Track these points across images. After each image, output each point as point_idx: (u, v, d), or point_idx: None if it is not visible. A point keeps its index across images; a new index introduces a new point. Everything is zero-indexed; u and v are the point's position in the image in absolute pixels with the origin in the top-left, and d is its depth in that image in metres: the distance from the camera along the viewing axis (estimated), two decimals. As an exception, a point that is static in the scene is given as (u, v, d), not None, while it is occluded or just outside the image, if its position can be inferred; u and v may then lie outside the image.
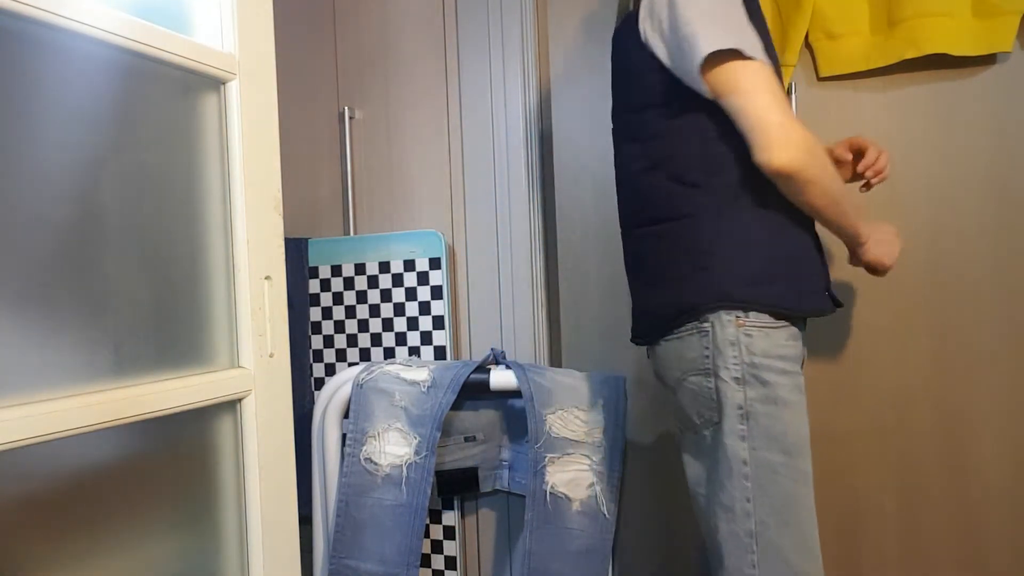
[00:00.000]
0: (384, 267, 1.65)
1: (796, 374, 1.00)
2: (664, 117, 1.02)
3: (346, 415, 1.53)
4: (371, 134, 1.69)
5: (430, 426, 1.44)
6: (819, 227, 1.09)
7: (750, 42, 0.95)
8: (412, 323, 1.63)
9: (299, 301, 1.69)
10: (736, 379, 0.98)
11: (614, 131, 1.16)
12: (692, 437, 1.05)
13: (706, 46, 0.92)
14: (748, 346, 0.98)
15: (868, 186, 1.24)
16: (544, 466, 1.40)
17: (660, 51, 1.00)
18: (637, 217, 1.09)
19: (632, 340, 1.18)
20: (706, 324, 0.99)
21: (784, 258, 1.02)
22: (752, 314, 0.99)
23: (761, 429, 0.97)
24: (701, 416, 1.01)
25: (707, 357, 0.99)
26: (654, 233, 1.05)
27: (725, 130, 0.99)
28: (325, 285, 1.70)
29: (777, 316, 1.00)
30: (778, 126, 0.92)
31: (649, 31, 1.01)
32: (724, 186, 1.00)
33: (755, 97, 0.93)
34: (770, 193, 1.00)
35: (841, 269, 1.48)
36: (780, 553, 0.97)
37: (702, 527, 1.07)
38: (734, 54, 0.93)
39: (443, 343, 1.61)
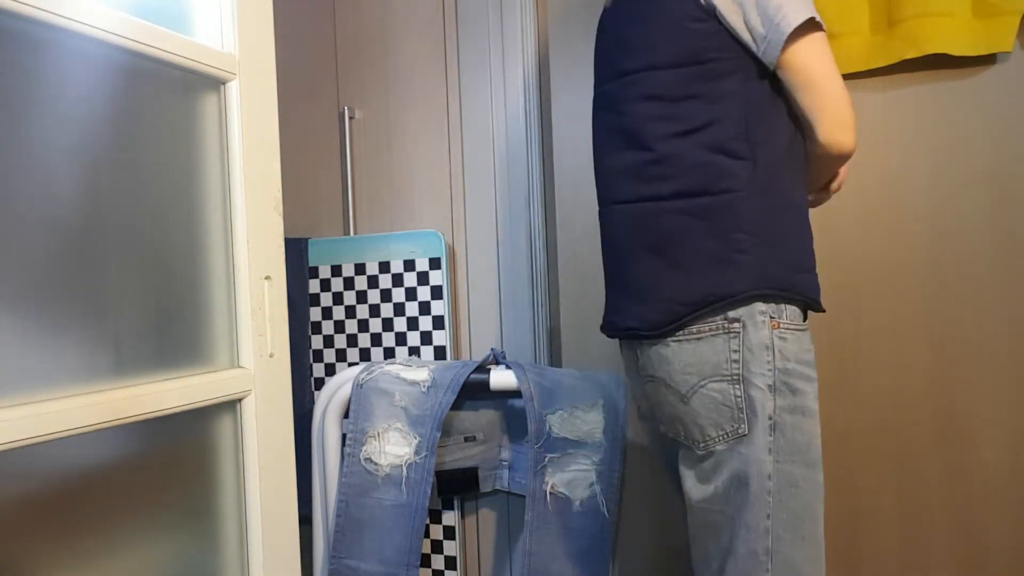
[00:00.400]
0: (384, 267, 1.65)
1: (815, 381, 0.94)
2: (706, 77, 0.91)
3: (346, 415, 1.53)
4: (371, 134, 1.69)
5: (430, 426, 1.44)
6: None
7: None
8: (412, 323, 1.63)
9: (299, 301, 1.69)
10: (769, 387, 0.90)
11: (610, 91, 1.02)
12: (702, 451, 0.94)
13: (795, 17, 0.88)
14: (782, 350, 0.91)
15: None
16: (544, 466, 1.40)
17: (723, 3, 0.90)
18: (653, 187, 0.95)
19: (614, 333, 1.03)
20: (736, 325, 0.90)
21: (812, 246, 0.97)
22: (787, 310, 0.92)
23: (787, 441, 0.91)
24: (720, 428, 0.91)
25: (736, 362, 0.90)
26: (683, 208, 0.92)
27: (768, 100, 0.93)
28: (325, 285, 1.70)
29: (805, 313, 0.96)
30: (849, 106, 0.92)
31: None
32: (768, 161, 0.92)
33: (834, 74, 0.91)
34: (800, 173, 0.96)
35: (841, 269, 1.48)
36: (793, 567, 0.92)
37: (704, 544, 0.97)
38: (817, 25, 0.90)
39: (443, 343, 1.61)
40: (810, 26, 0.89)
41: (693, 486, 0.97)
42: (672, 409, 0.96)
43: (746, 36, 0.90)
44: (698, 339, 0.92)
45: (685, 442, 0.97)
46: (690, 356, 0.92)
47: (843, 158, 0.95)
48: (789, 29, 0.88)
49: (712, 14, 0.90)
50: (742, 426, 0.91)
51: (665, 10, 0.93)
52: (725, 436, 0.92)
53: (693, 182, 0.92)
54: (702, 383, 0.92)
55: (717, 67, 0.92)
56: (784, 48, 0.89)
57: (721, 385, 0.91)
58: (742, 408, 0.90)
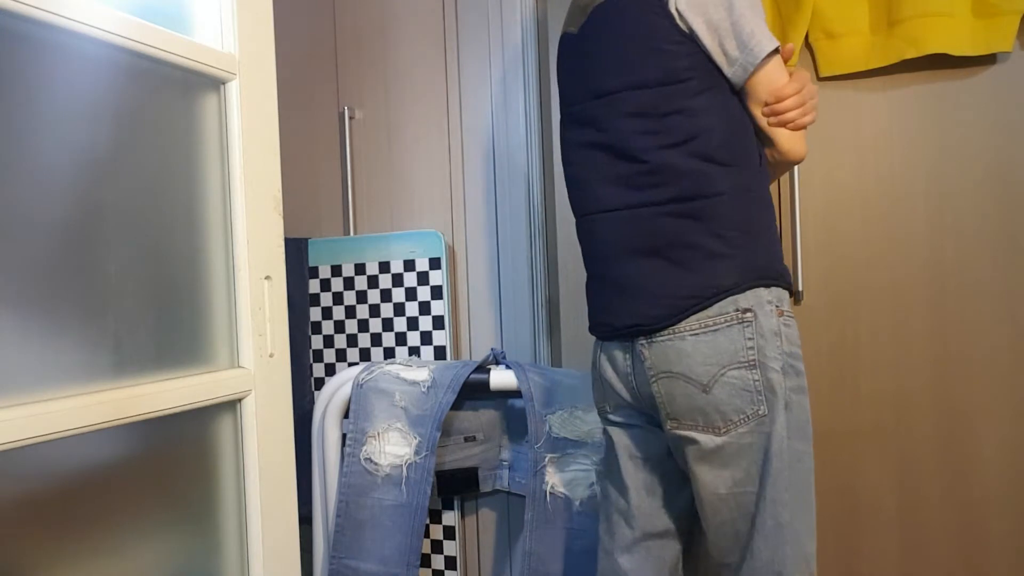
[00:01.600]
0: (384, 267, 1.65)
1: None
2: (687, 94, 1.00)
3: (346, 415, 1.53)
4: (371, 134, 1.69)
5: (430, 426, 1.44)
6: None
7: None
8: (412, 323, 1.63)
9: (299, 301, 1.69)
10: (781, 369, 0.98)
11: (586, 110, 1.09)
12: (722, 435, 0.98)
13: (767, 44, 0.99)
14: (787, 336, 1.00)
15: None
16: (544, 466, 1.41)
17: (700, 29, 0.99)
18: (646, 194, 1.02)
19: (609, 333, 1.07)
20: (749, 314, 0.98)
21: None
22: (784, 298, 1.02)
23: (794, 419, 0.99)
24: (742, 412, 0.97)
25: (752, 349, 0.97)
26: (679, 211, 1.01)
27: (740, 111, 1.03)
28: (325, 285, 1.70)
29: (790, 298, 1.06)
30: None
31: (685, 5, 0.99)
32: (748, 166, 1.03)
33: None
34: (768, 175, 1.07)
35: (841, 269, 1.48)
36: (799, 540, 0.99)
37: (732, 528, 1.01)
38: (778, 51, 1.01)
39: (443, 343, 1.61)
40: (775, 52, 1.00)
41: (714, 477, 1.01)
42: (691, 401, 1.00)
43: (720, 58, 1.00)
44: (714, 331, 0.98)
45: (702, 432, 1.00)
46: (708, 347, 0.98)
47: (796, 163, 1.09)
48: (762, 55, 0.99)
49: (690, 37, 0.99)
50: (762, 407, 0.97)
51: (644, 34, 1.01)
52: (746, 419, 0.98)
53: (686, 188, 1.00)
54: (722, 372, 0.98)
55: (695, 84, 1.00)
56: (754, 74, 1.00)
57: (740, 372, 0.97)
58: (760, 391, 0.97)
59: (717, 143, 1.00)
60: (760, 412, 0.97)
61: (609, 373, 1.11)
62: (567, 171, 1.16)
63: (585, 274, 1.15)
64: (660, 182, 1.01)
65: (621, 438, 1.13)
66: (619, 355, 1.09)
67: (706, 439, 1.00)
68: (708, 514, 1.03)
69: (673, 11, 0.99)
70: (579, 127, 1.11)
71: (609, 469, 1.16)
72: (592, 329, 1.13)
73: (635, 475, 1.11)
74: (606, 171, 1.07)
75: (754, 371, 0.97)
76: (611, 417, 1.14)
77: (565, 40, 1.15)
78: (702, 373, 0.98)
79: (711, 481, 1.01)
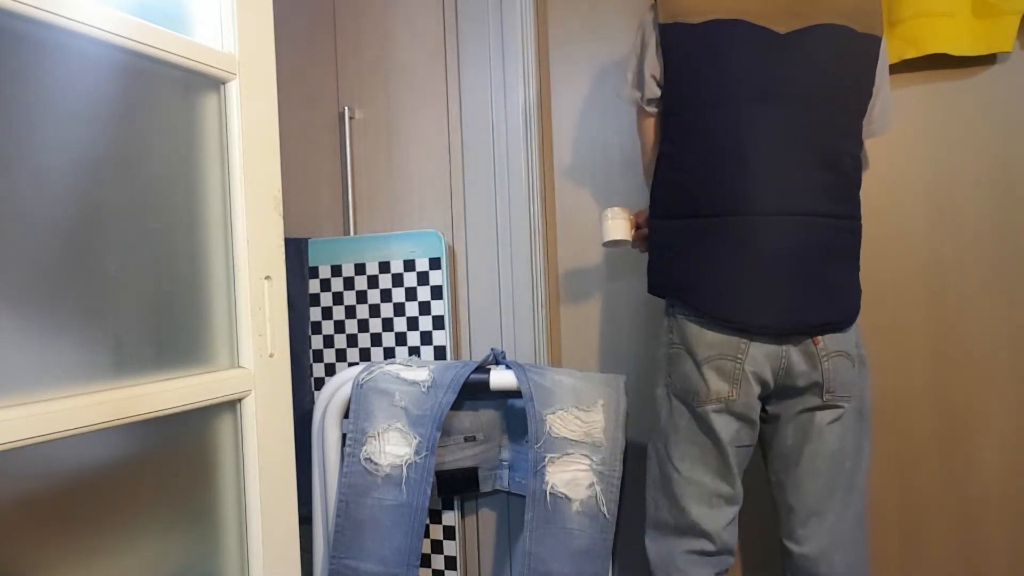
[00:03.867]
0: (384, 267, 1.65)
1: None
2: (860, 131, 1.19)
3: (346, 415, 1.53)
4: (371, 134, 1.69)
5: (430, 426, 1.44)
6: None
7: None
8: (412, 323, 1.63)
9: (299, 301, 1.69)
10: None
11: (792, 110, 1.15)
12: (845, 402, 1.18)
13: (890, 127, 1.27)
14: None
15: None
16: (544, 466, 1.41)
17: (878, 89, 1.20)
18: (841, 207, 1.17)
19: (800, 329, 1.15)
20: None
21: None
22: None
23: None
24: (858, 384, 1.19)
25: (858, 329, 1.21)
26: (850, 228, 1.18)
27: None
28: (325, 285, 1.70)
29: None
30: None
31: (879, 69, 1.18)
32: None
33: None
34: None
35: (841, 269, 1.48)
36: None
37: (830, 479, 1.18)
38: None
39: (443, 343, 1.61)
40: None
41: (834, 436, 1.18)
42: (848, 374, 1.18)
43: (868, 114, 1.20)
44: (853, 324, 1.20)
45: (844, 402, 1.18)
46: (854, 330, 1.20)
47: None
48: (887, 131, 1.26)
49: (872, 86, 1.18)
50: (865, 378, 1.21)
51: (865, 74, 1.18)
52: (860, 389, 1.20)
53: (852, 209, 1.19)
54: (859, 349, 1.21)
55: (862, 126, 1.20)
56: (869, 137, 1.23)
57: (860, 350, 1.21)
58: (865, 363, 1.22)
59: (860, 176, 1.20)
60: (864, 383, 1.21)
61: (760, 363, 1.17)
62: (748, 164, 1.16)
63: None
64: (847, 198, 1.18)
65: (727, 427, 1.22)
66: (772, 346, 1.17)
67: (842, 408, 1.18)
68: (811, 470, 1.19)
69: (879, 60, 1.18)
70: (780, 126, 1.15)
71: (705, 458, 1.26)
72: (762, 326, 1.16)
73: (736, 460, 1.24)
74: (813, 176, 1.16)
75: (860, 348, 1.21)
76: (713, 409, 1.22)
77: (754, 32, 1.16)
78: (856, 356, 1.19)
79: (830, 440, 1.18)
